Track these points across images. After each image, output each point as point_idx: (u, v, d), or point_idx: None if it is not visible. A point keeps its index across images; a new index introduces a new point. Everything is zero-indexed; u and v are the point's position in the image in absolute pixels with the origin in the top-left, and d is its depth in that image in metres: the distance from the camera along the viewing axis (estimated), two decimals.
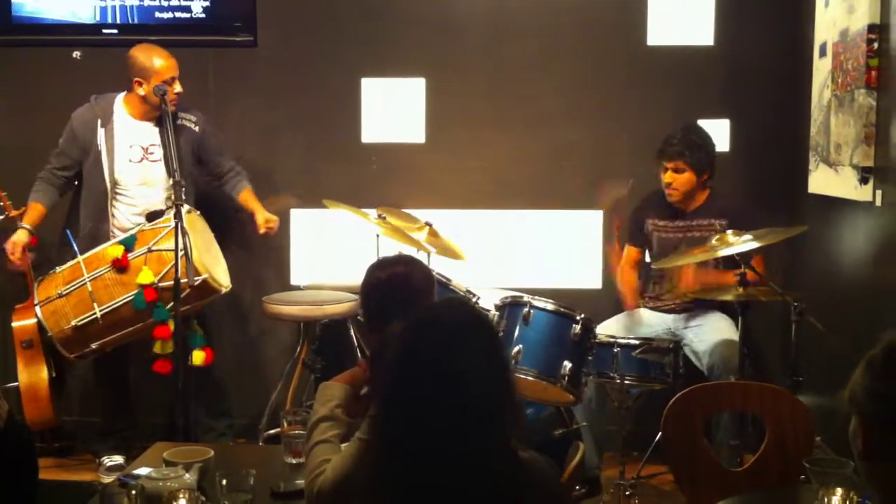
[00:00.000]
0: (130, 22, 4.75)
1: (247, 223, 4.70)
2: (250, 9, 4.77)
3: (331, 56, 4.80)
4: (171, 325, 3.99)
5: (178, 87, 4.25)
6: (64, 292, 4.07)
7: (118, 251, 4.06)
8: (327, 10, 4.81)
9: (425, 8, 4.78)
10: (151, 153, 4.31)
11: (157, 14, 4.76)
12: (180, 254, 3.80)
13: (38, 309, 4.08)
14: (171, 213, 3.96)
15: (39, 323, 4.12)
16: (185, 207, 3.94)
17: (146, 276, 4.01)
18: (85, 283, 4.06)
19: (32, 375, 4.31)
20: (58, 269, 4.17)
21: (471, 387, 1.71)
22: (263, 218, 4.42)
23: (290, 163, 4.87)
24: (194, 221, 4.15)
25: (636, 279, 4.41)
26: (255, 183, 4.73)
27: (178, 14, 4.76)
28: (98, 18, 4.76)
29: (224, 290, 4.23)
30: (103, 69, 4.54)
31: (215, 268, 4.21)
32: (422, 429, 1.68)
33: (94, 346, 4.12)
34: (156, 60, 4.21)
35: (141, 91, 4.23)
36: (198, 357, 4.29)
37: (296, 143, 4.87)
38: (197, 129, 4.40)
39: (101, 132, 4.27)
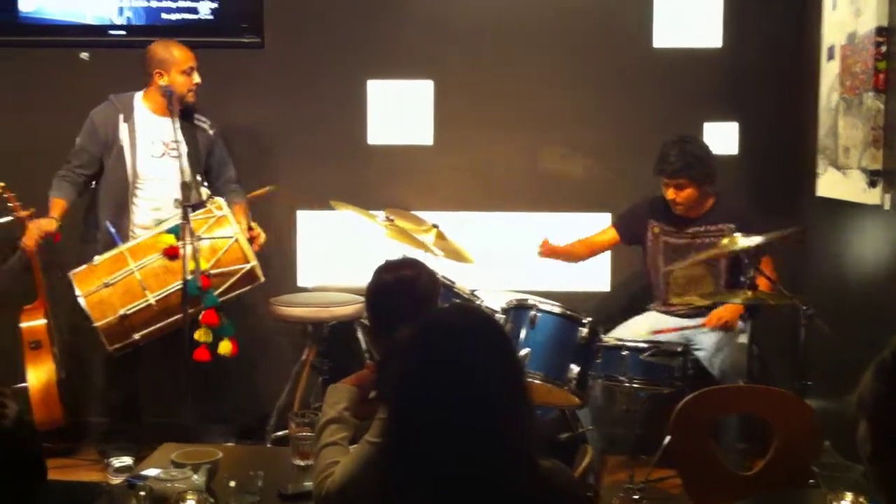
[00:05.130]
0: (137, 23, 4.76)
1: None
2: (257, 10, 4.78)
3: (337, 58, 4.81)
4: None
5: (196, 78, 4.31)
6: (110, 282, 4.02)
7: (170, 239, 4.07)
8: (334, 13, 4.82)
9: (432, 11, 4.78)
10: (173, 149, 4.33)
11: (164, 15, 4.76)
12: (188, 255, 3.83)
13: (81, 300, 4.01)
14: (211, 204, 4.08)
15: (83, 313, 4.05)
16: (213, 199, 4.12)
17: (200, 263, 4.00)
18: (133, 272, 4.03)
19: (41, 376, 4.33)
20: (95, 260, 4.11)
21: (482, 393, 1.69)
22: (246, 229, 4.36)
23: (296, 164, 4.87)
24: (229, 215, 4.19)
25: (579, 254, 4.45)
26: (260, 184, 4.76)
27: (185, 15, 4.76)
28: (105, 19, 4.77)
29: (262, 281, 4.25)
30: (110, 70, 4.54)
31: None
32: (433, 435, 1.68)
33: (136, 336, 4.09)
34: (175, 51, 4.30)
35: (162, 82, 4.28)
36: (225, 347, 4.22)
37: (301, 144, 4.87)
38: (212, 132, 4.43)
39: (123, 127, 4.29)
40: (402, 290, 2.58)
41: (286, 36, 4.83)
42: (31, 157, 4.55)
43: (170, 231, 4.10)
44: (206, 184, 4.34)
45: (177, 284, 4.03)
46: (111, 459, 4.40)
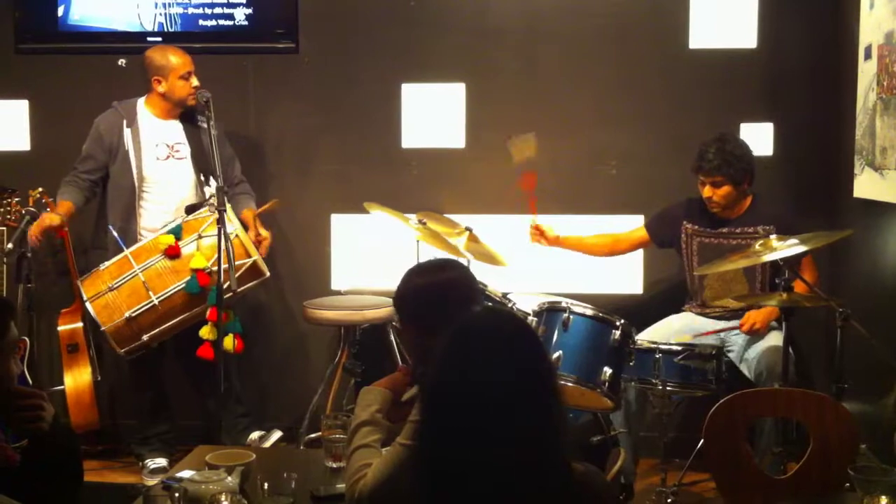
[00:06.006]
0: (174, 30, 4.82)
1: (285, 229, 4.74)
2: (292, 16, 4.82)
3: (371, 62, 4.83)
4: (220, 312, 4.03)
5: (195, 82, 4.35)
6: (115, 285, 4.09)
7: (169, 239, 4.12)
8: (368, 18, 4.84)
9: (465, 14, 4.79)
10: (177, 151, 4.39)
11: (201, 22, 4.82)
12: (223, 260, 3.85)
13: (88, 305, 4.08)
14: (210, 208, 4.09)
15: (91, 319, 4.12)
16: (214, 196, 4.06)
17: (199, 261, 4.06)
18: (137, 274, 4.09)
19: (77, 379, 4.38)
20: (102, 266, 4.18)
21: (513, 396, 1.69)
22: (254, 234, 4.35)
23: (330, 168, 4.90)
24: (229, 212, 4.21)
25: (593, 247, 4.45)
26: (295, 188, 4.78)
27: (221, 21, 4.81)
28: (142, 27, 4.83)
29: (267, 276, 4.27)
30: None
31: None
32: (465, 439, 1.68)
33: (145, 338, 4.13)
34: (171, 57, 4.34)
35: (161, 88, 4.35)
36: (228, 342, 4.16)
37: (336, 148, 4.89)
38: (214, 132, 4.45)
39: (127, 132, 4.35)
40: (436, 291, 2.57)
41: (321, 41, 4.86)
42: (70, 162, 4.60)
43: (170, 232, 4.16)
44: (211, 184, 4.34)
45: (179, 284, 4.09)
46: (146, 461, 4.44)
